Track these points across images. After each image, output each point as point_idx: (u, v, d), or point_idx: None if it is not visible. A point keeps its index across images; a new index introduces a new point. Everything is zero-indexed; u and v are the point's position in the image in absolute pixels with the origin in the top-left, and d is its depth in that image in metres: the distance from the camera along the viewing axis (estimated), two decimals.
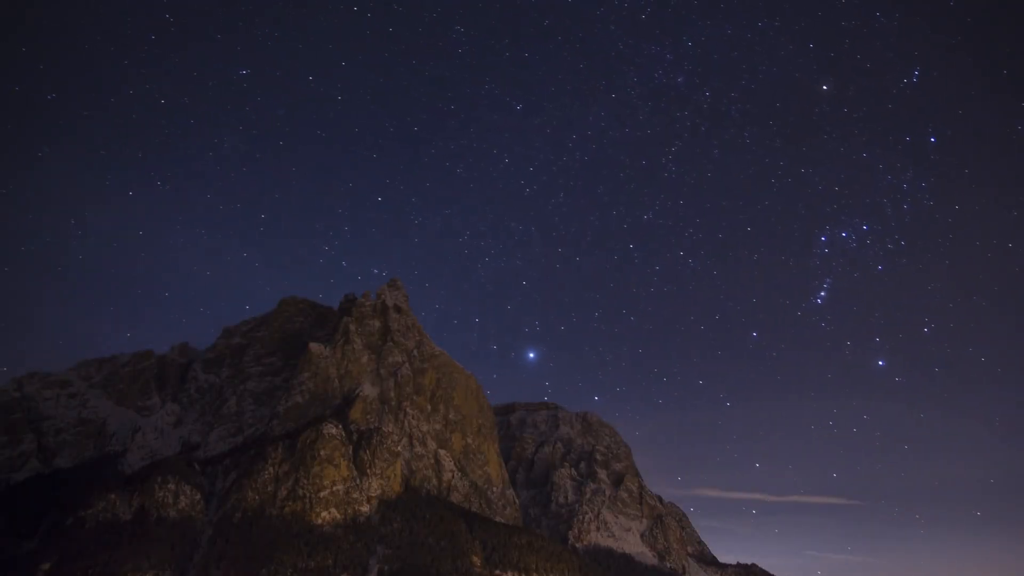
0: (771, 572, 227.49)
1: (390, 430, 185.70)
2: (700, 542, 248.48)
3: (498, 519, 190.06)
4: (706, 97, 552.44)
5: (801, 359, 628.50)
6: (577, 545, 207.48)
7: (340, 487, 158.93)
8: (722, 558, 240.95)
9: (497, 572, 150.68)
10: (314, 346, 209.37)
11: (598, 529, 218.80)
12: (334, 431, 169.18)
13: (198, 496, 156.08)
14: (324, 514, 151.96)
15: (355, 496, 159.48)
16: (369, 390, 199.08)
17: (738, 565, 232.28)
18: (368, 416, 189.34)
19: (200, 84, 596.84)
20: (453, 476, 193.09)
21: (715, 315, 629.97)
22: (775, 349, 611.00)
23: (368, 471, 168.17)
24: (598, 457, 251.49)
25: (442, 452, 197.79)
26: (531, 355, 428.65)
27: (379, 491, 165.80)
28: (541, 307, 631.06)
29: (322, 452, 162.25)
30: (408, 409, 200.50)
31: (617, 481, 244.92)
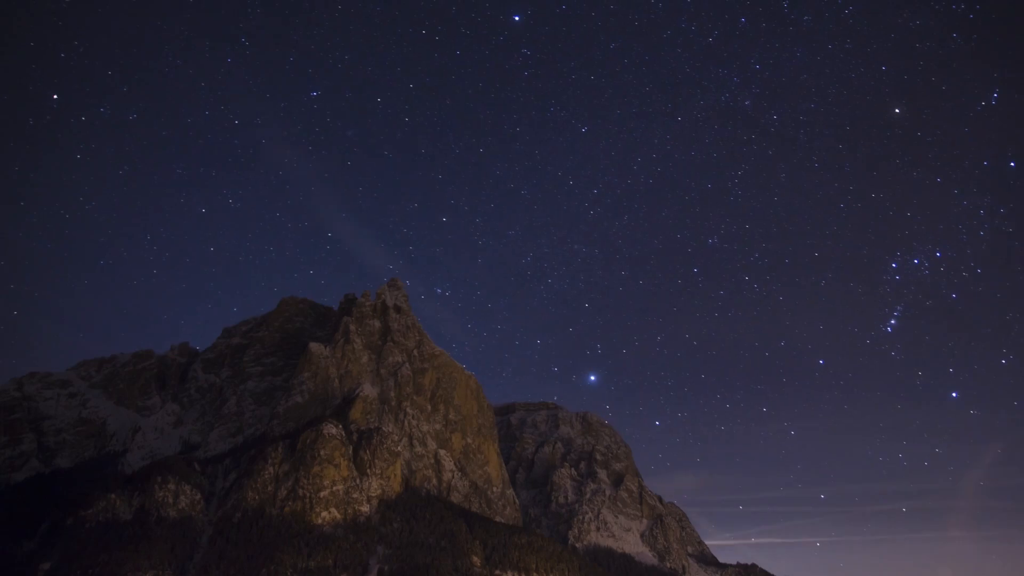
0: (771, 573, 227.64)
1: (390, 430, 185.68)
2: (700, 542, 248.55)
3: (498, 519, 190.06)
4: (774, 120, 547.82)
5: (869, 388, 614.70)
6: (577, 545, 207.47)
7: (340, 487, 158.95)
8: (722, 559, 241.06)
9: (497, 572, 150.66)
10: (314, 346, 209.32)
11: (598, 529, 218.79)
12: (334, 431, 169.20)
13: (198, 496, 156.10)
14: (324, 514, 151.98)
15: (355, 496, 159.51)
16: (369, 390, 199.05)
17: (738, 565, 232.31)
18: (368, 416, 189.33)
19: (272, 105, 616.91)
20: (453, 476, 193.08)
21: (780, 341, 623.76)
22: (842, 378, 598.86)
23: (368, 471, 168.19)
24: (598, 457, 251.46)
25: (442, 452, 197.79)
26: (592, 378, 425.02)
27: (379, 491, 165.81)
28: (603, 330, 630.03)
29: (322, 452, 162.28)
30: (408, 409, 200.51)
31: (617, 481, 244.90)
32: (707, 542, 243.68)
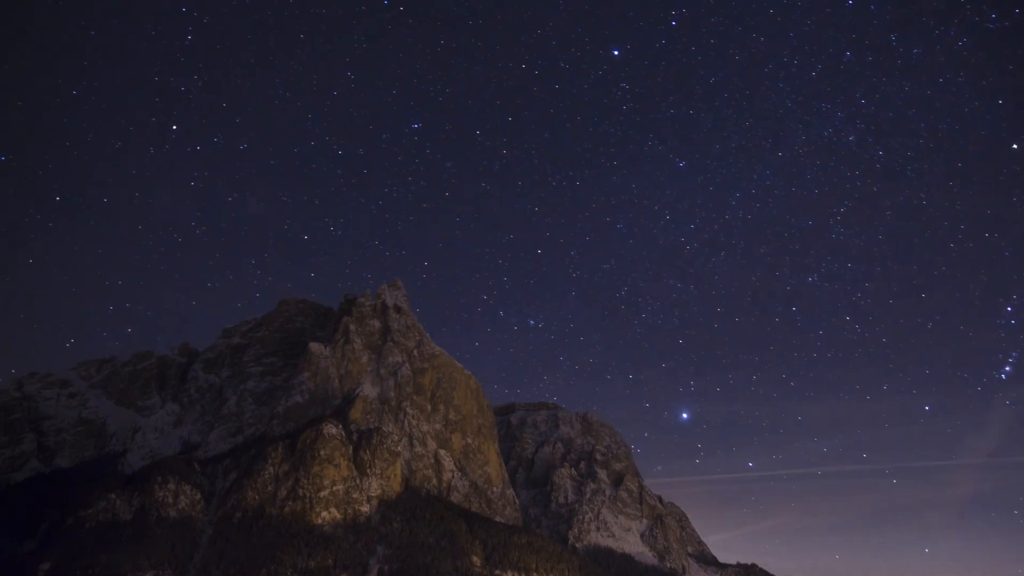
0: (771, 573, 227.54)
1: (390, 430, 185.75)
2: (700, 542, 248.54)
3: (498, 519, 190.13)
4: (879, 156, 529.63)
5: (981, 439, 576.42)
6: (577, 545, 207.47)
7: (340, 487, 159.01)
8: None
9: (497, 572, 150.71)
10: (314, 346, 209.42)
11: (598, 529, 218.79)
12: (334, 431, 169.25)
13: (198, 496, 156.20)
14: (324, 514, 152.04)
15: (355, 496, 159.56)
16: (369, 390, 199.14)
17: (738, 565, 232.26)
18: (368, 416, 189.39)
19: (374, 136, 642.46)
20: (453, 476, 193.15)
21: (883, 385, 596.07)
22: (950, 426, 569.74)
23: (368, 471, 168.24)
24: (598, 457, 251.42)
25: (442, 452, 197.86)
26: (684, 415, 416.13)
27: (379, 491, 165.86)
28: (697, 367, 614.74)
29: (322, 452, 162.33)
30: (408, 409, 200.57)
31: (617, 481, 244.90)
32: None
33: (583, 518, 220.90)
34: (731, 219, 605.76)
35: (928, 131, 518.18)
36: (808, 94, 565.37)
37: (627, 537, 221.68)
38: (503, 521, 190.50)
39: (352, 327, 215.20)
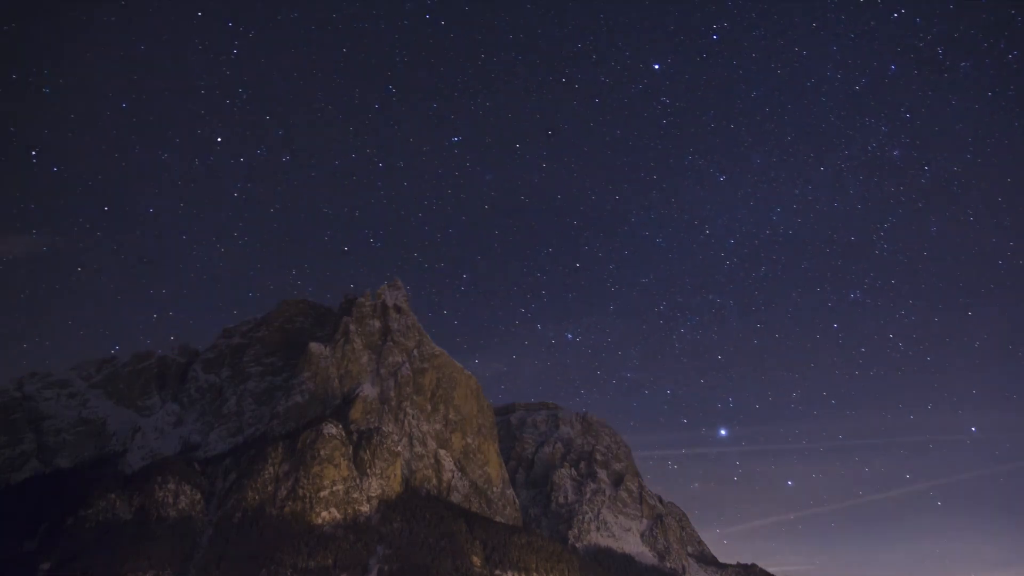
0: (771, 572, 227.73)
1: (390, 430, 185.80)
2: (700, 542, 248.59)
3: (498, 519, 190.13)
4: (924, 171, 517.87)
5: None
6: (577, 545, 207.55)
7: (340, 487, 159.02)
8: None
9: (497, 572, 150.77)
10: (314, 346, 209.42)
11: (598, 529, 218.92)
12: (334, 431, 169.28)
13: (198, 496, 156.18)
14: (324, 514, 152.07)
15: (355, 496, 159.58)
16: (369, 390, 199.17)
17: (738, 565, 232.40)
18: (368, 416, 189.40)
19: (415, 149, 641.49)
20: (453, 476, 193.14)
21: (927, 404, 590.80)
22: (998, 447, 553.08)
23: (368, 471, 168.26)
24: (598, 457, 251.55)
25: (442, 452, 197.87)
26: (722, 432, 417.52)
27: (379, 491, 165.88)
28: (736, 383, 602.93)
29: (322, 452, 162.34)
30: (408, 409, 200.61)
31: (617, 481, 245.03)
32: None
33: (583, 518, 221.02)
34: (772, 234, 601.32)
35: (975, 145, 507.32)
36: (851, 108, 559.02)
37: (627, 537, 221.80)
38: (503, 521, 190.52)
39: (352, 327, 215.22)
